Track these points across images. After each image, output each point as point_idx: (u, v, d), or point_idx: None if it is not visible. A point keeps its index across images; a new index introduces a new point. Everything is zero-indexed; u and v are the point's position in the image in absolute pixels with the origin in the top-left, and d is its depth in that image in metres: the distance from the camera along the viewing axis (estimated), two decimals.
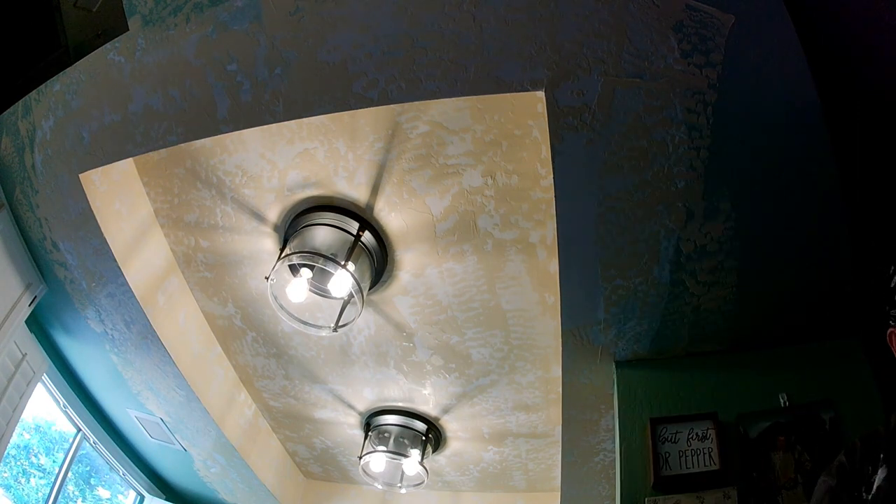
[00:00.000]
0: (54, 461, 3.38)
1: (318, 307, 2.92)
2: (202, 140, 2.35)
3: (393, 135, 2.27)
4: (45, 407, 3.30)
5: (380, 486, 3.72)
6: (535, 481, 3.84)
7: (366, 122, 2.26)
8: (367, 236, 2.59)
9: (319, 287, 2.78)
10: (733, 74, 1.66)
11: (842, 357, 2.09)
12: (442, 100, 2.02)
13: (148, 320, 2.76)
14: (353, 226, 2.57)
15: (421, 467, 3.43)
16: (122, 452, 3.64)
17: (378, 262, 2.67)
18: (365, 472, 3.55)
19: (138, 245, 2.71)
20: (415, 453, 3.44)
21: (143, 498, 3.86)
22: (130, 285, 2.64)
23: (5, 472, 3.20)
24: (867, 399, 1.96)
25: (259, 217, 2.68)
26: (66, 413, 3.29)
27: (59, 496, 3.27)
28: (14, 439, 2.87)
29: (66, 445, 3.38)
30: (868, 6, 1.64)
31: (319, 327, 2.79)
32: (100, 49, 2.05)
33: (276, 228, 2.71)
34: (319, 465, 4.17)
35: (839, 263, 2.00)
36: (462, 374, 3.15)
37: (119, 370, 3.09)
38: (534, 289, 2.66)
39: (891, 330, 1.11)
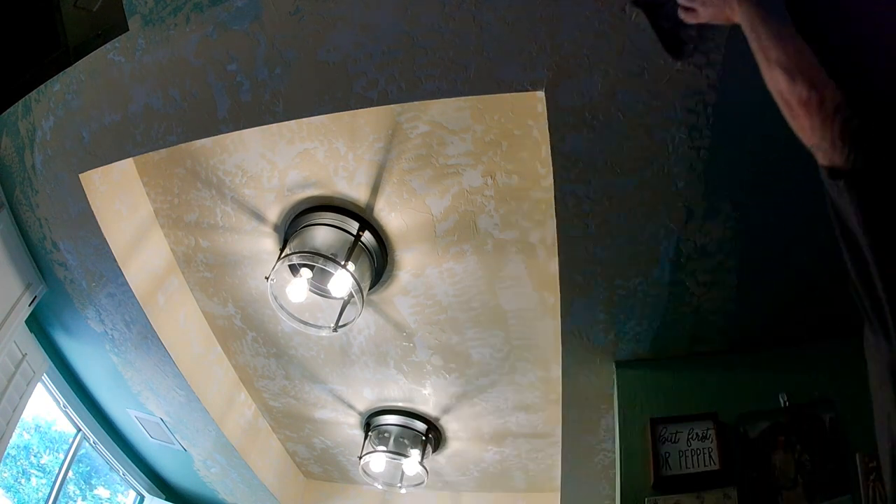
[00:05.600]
0: (54, 461, 3.38)
1: (318, 307, 2.92)
2: (202, 140, 2.35)
3: (393, 135, 2.27)
4: (45, 407, 3.30)
5: (380, 486, 3.72)
6: (535, 481, 3.84)
7: (366, 122, 2.26)
8: (367, 236, 2.59)
9: (319, 287, 2.78)
10: (733, 74, 1.66)
11: (842, 357, 2.08)
12: (442, 100, 2.02)
13: (148, 320, 2.76)
14: (353, 226, 2.57)
15: (421, 467, 3.43)
16: (122, 452, 3.64)
17: (378, 262, 2.67)
18: (365, 472, 3.55)
19: (138, 245, 2.71)
20: (415, 453, 3.44)
21: (143, 498, 3.87)
22: (130, 285, 2.64)
23: (5, 472, 3.20)
24: (867, 399, 1.96)
25: (259, 217, 2.68)
26: (66, 413, 3.29)
27: (59, 496, 3.27)
28: (14, 439, 2.87)
29: (66, 445, 3.38)
30: (868, 6, 1.64)
31: (319, 327, 2.79)
32: (100, 49, 2.05)
33: (276, 228, 2.71)
34: (319, 465, 4.17)
35: (839, 263, 1.99)
36: (462, 374, 3.15)
37: (119, 370, 3.09)
38: (534, 289, 2.66)
39: None
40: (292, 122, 2.25)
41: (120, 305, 2.74)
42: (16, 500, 3.27)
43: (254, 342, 3.29)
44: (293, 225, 2.64)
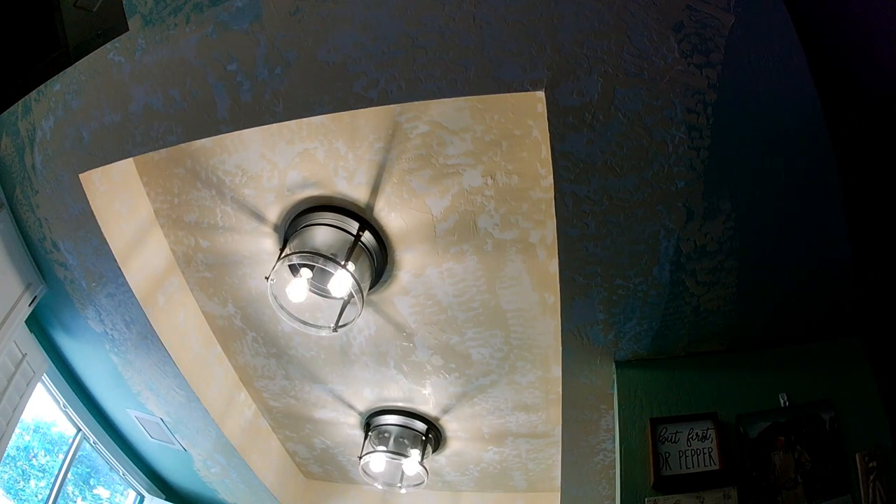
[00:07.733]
0: (54, 462, 3.37)
1: (318, 307, 2.92)
2: (202, 140, 2.35)
3: (393, 135, 2.28)
4: (45, 407, 3.30)
5: (380, 486, 3.72)
6: (535, 481, 3.84)
7: (366, 122, 2.26)
8: (367, 236, 2.59)
9: (319, 287, 2.78)
10: (733, 74, 1.67)
11: (842, 357, 2.09)
12: (442, 100, 2.03)
13: (148, 320, 2.76)
14: (353, 226, 2.57)
15: (421, 467, 3.43)
16: (122, 452, 3.64)
17: (378, 262, 2.67)
18: (365, 472, 3.55)
19: (138, 245, 2.71)
20: (415, 453, 3.44)
21: (143, 498, 3.87)
22: (130, 285, 2.64)
23: (5, 472, 3.20)
24: (867, 399, 1.96)
25: (259, 217, 2.68)
26: (66, 413, 3.29)
27: (59, 496, 3.27)
28: (14, 440, 2.87)
29: (66, 446, 3.38)
30: (867, 6, 1.65)
31: (319, 327, 2.79)
32: (100, 49, 2.05)
33: (276, 228, 2.71)
34: (319, 465, 4.17)
35: (839, 263, 2.00)
36: (462, 374, 3.15)
37: (119, 370, 3.09)
38: (534, 289, 2.66)
39: None
40: (292, 122, 2.25)
41: (120, 305, 2.74)
42: (16, 500, 3.27)
43: (254, 342, 3.29)
44: (293, 225, 2.64)
